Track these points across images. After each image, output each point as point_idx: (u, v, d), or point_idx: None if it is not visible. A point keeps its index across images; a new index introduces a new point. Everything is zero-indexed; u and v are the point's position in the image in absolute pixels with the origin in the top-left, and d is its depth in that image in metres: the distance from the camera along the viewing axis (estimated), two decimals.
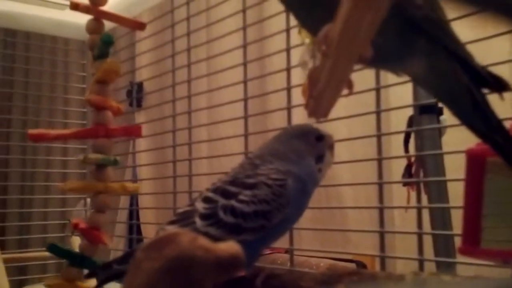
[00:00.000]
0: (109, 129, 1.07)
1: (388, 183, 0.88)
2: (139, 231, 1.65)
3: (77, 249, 1.07)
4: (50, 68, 2.02)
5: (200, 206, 0.57)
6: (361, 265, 1.32)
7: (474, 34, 0.61)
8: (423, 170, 0.97)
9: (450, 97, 0.47)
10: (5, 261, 1.13)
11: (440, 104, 0.88)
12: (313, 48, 0.49)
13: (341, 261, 1.29)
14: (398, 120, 0.98)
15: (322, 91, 0.41)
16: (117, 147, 1.54)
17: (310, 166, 0.61)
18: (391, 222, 1.17)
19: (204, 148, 1.57)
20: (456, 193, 0.63)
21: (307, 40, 0.42)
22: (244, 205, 0.56)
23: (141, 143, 1.59)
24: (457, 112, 0.47)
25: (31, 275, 1.74)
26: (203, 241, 0.39)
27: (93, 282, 1.06)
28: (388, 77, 0.58)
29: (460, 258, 0.61)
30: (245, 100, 0.97)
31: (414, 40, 0.44)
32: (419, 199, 0.76)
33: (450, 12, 0.48)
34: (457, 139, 0.59)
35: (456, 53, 0.44)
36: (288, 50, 0.90)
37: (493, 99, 0.46)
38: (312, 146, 0.62)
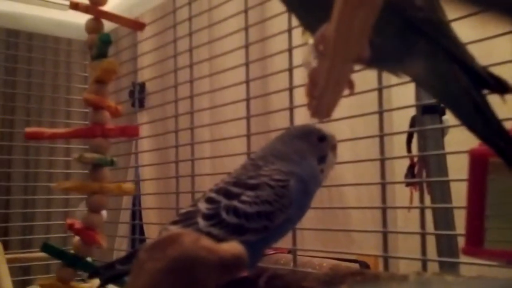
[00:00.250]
0: (105, 129, 1.06)
1: (391, 183, 0.88)
2: (142, 232, 1.65)
3: None
4: (52, 69, 2.02)
5: (203, 206, 0.57)
6: (364, 265, 1.32)
7: (475, 34, 0.61)
8: (426, 170, 0.97)
9: (450, 99, 0.47)
10: (9, 261, 1.13)
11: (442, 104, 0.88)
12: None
13: (344, 261, 1.28)
14: (401, 120, 0.98)
15: (323, 91, 0.41)
16: (119, 148, 1.54)
17: (312, 167, 0.61)
18: (394, 222, 1.17)
19: (207, 148, 1.57)
20: (459, 193, 0.62)
21: (311, 41, 0.42)
22: (247, 206, 0.56)
23: (144, 144, 1.58)
24: (457, 114, 0.46)
25: (34, 275, 1.74)
26: (206, 242, 0.39)
27: (94, 282, 1.07)
28: (391, 77, 0.58)
29: (463, 258, 0.61)
30: (248, 100, 0.97)
31: (414, 41, 0.44)
32: (422, 199, 0.76)
33: (452, 12, 0.48)
34: (460, 139, 0.59)
35: (456, 55, 0.44)
36: (290, 50, 0.90)
37: (493, 99, 0.46)
38: (314, 146, 0.62)
